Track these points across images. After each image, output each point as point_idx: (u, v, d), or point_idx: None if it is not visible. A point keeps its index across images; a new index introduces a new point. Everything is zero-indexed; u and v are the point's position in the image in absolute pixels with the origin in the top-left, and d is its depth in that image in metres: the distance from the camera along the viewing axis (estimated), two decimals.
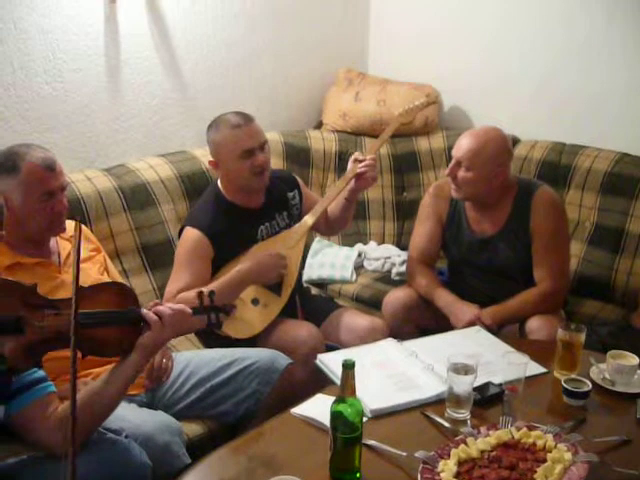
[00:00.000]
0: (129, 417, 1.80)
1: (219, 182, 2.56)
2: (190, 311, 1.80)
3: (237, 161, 2.42)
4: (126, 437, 1.77)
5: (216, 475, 1.72)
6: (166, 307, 1.76)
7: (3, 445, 1.80)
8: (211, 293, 1.86)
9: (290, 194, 2.66)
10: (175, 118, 3.13)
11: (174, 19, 3.00)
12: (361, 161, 2.59)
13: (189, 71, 3.13)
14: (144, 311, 1.74)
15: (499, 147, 2.54)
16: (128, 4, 2.82)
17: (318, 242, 3.31)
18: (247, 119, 2.45)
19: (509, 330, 2.56)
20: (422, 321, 2.69)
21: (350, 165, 2.63)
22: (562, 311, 2.70)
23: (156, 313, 1.73)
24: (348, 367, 1.59)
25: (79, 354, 1.73)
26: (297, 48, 3.57)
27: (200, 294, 1.85)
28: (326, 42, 3.71)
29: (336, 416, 1.60)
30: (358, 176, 2.58)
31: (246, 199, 2.53)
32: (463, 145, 2.53)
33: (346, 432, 1.60)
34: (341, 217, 2.72)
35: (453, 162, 2.55)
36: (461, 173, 2.52)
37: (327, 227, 2.81)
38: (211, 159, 2.52)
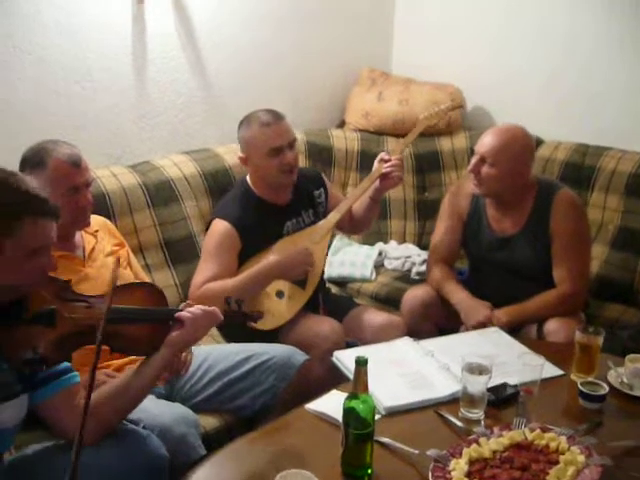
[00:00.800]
0: (147, 408, 1.83)
1: (248, 177, 2.60)
2: (222, 317, 1.83)
3: (266, 158, 2.47)
4: (144, 428, 1.81)
5: (230, 467, 1.75)
6: (197, 308, 1.79)
7: (27, 433, 1.86)
8: (238, 300, 1.90)
9: (316, 192, 2.70)
10: (200, 116, 3.17)
11: (200, 19, 3.05)
12: (387, 161, 2.61)
13: (214, 70, 3.17)
14: (178, 310, 1.77)
15: (524, 144, 2.56)
16: (155, 4, 2.87)
17: (339, 240, 3.33)
18: (277, 117, 2.50)
19: (527, 331, 2.56)
20: (440, 319, 2.69)
21: (376, 165, 2.65)
22: (582, 314, 2.68)
23: (188, 312, 1.77)
24: (361, 364, 1.62)
25: (107, 348, 1.78)
26: (321, 48, 3.60)
27: (228, 299, 1.89)
28: (350, 42, 3.73)
29: (348, 412, 1.62)
30: (384, 176, 2.61)
31: (274, 195, 2.57)
32: (488, 141, 2.53)
33: (358, 428, 1.62)
34: (365, 216, 2.75)
35: (477, 158, 2.55)
36: (485, 169, 2.53)
37: (351, 226, 2.84)
38: (241, 155, 2.56)
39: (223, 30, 3.16)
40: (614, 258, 3.00)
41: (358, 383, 1.63)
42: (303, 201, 2.64)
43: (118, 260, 1.71)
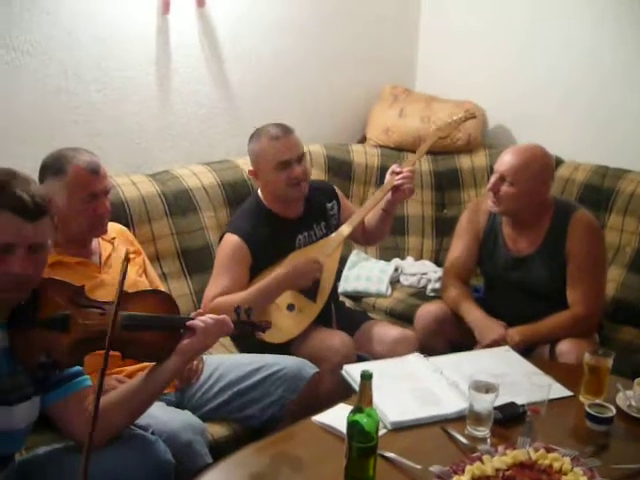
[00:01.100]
0: (156, 414, 1.86)
1: (259, 191, 2.63)
2: (232, 325, 1.84)
3: (274, 172, 2.50)
4: (152, 433, 1.84)
5: (234, 475, 1.77)
6: (209, 317, 1.80)
7: (37, 435, 1.89)
8: (248, 309, 1.91)
9: (329, 205, 2.72)
10: (221, 127, 3.21)
11: (224, 31, 3.09)
12: (398, 173, 2.62)
13: (237, 82, 3.21)
14: (189, 318, 1.79)
15: (543, 164, 2.57)
16: (180, 16, 2.92)
17: (355, 255, 3.35)
18: (286, 131, 2.52)
19: (540, 352, 2.56)
20: (454, 336, 2.69)
21: (388, 177, 2.66)
22: (597, 336, 2.68)
23: (200, 321, 1.78)
24: (366, 378, 1.62)
25: (119, 354, 1.81)
26: (345, 63, 3.64)
27: (237, 309, 1.90)
28: (374, 58, 3.77)
29: (352, 425, 1.63)
30: (395, 188, 2.62)
31: (285, 209, 2.59)
32: (508, 160, 2.54)
33: (362, 441, 1.63)
34: (378, 228, 2.76)
35: (496, 176, 2.56)
36: (504, 188, 2.54)
37: (364, 238, 2.85)
38: (251, 168, 2.59)
39: (246, 42, 3.20)
40: (631, 281, 2.98)
41: (363, 397, 1.64)
42: (315, 214, 2.66)
43: (127, 256, 1.71)
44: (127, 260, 1.67)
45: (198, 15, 2.98)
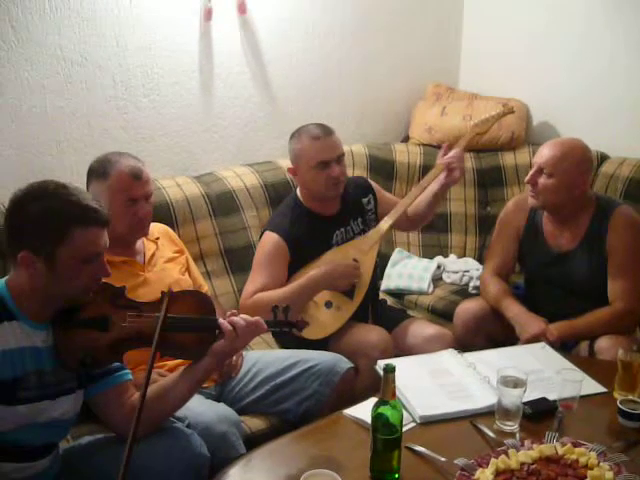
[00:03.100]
0: (192, 406, 1.92)
1: (298, 190, 2.69)
2: (265, 326, 1.89)
3: (313, 171, 2.55)
4: (188, 426, 1.92)
5: (263, 466, 1.84)
6: (241, 318, 1.85)
7: (82, 425, 1.99)
8: (286, 309, 1.95)
9: (364, 200, 2.77)
10: (264, 130, 3.28)
11: (265, 35, 3.16)
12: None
13: (279, 84, 3.28)
14: (220, 321, 1.84)
15: (581, 156, 2.57)
16: (222, 22, 3.00)
17: (398, 253, 3.38)
18: (327, 131, 2.58)
19: (579, 348, 2.55)
20: (494, 333, 2.69)
21: (439, 159, 2.72)
22: (638, 332, 2.65)
23: (231, 324, 1.83)
24: (389, 371, 1.67)
25: (159, 353, 1.89)
26: (387, 62, 3.66)
27: (275, 309, 1.94)
28: (417, 57, 3.78)
29: (377, 418, 1.68)
30: (446, 169, 2.66)
31: (322, 206, 2.65)
32: (546, 152, 2.56)
33: (386, 433, 1.67)
34: (425, 213, 2.82)
35: (534, 169, 2.58)
36: (542, 180, 2.55)
37: (409, 224, 2.90)
38: (291, 166, 2.65)
39: (287, 45, 3.27)
40: None
41: (386, 390, 1.69)
42: (351, 210, 2.71)
43: (169, 292, 1.83)
44: (169, 295, 1.80)
45: (240, 21, 3.05)
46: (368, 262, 2.62)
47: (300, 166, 2.60)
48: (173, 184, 2.84)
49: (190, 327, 1.85)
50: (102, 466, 1.79)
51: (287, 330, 1.98)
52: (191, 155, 3.08)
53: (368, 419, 1.84)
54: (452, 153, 2.68)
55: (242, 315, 1.87)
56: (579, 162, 2.55)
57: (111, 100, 2.80)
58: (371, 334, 2.52)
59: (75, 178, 2.53)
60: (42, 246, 1.64)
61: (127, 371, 1.89)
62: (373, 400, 1.98)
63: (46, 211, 1.64)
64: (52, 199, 1.66)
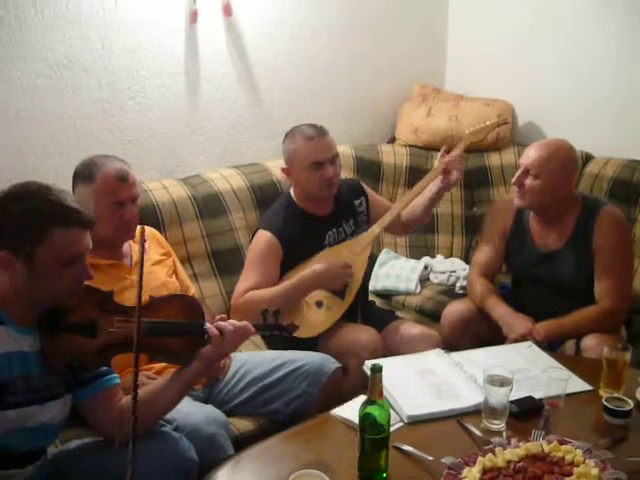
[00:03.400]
0: (180, 408, 1.91)
1: (291, 190, 2.70)
2: (253, 330, 1.89)
3: (307, 171, 2.56)
4: (176, 428, 1.91)
5: (252, 466, 1.84)
6: (228, 323, 1.85)
7: (70, 429, 1.98)
8: (276, 312, 1.95)
9: (356, 202, 2.78)
10: (250, 132, 3.28)
11: (251, 37, 3.16)
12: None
13: (265, 86, 3.28)
14: (207, 325, 1.84)
15: (567, 156, 2.60)
16: (207, 24, 3.00)
17: (386, 254, 3.39)
18: (321, 132, 2.59)
19: (566, 347, 2.57)
20: (481, 333, 2.70)
21: (438, 162, 2.73)
22: (624, 331, 2.68)
23: (218, 328, 1.83)
24: (376, 371, 1.68)
25: (147, 357, 1.89)
26: (374, 64, 3.68)
27: (265, 312, 1.94)
28: (403, 58, 3.79)
29: (364, 418, 1.69)
30: (444, 172, 2.68)
31: (315, 207, 2.66)
32: (531, 154, 2.58)
33: (374, 433, 1.68)
34: (421, 216, 2.83)
35: (521, 170, 2.60)
36: (528, 181, 2.57)
37: (402, 228, 2.92)
38: (284, 166, 2.66)
39: (273, 47, 3.27)
40: None
41: (373, 390, 1.69)
42: (344, 212, 2.72)
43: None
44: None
45: (225, 23, 3.06)
46: (360, 263, 2.64)
47: (294, 166, 2.61)
48: (159, 186, 2.83)
49: (177, 332, 1.85)
50: (90, 471, 1.79)
51: (277, 334, 1.99)
52: (177, 157, 3.08)
53: (356, 419, 1.85)
54: (452, 154, 2.69)
55: (230, 320, 1.87)
56: (565, 163, 2.57)
57: (97, 103, 2.79)
58: (361, 334, 2.53)
59: (61, 181, 2.49)
60: (22, 246, 1.62)
61: (115, 375, 1.89)
62: (361, 399, 2.00)
63: (26, 211, 1.63)
64: (33, 199, 1.65)
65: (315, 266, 2.54)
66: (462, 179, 2.79)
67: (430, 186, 2.73)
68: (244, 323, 1.87)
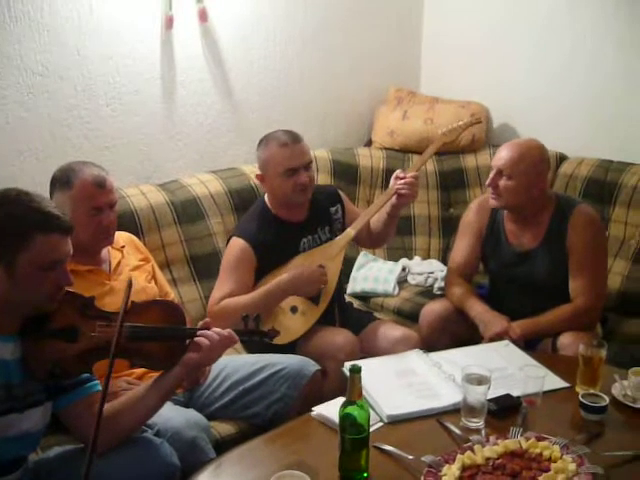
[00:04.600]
0: (161, 412, 1.90)
1: (266, 196, 2.71)
2: (237, 338, 1.90)
3: (281, 178, 2.57)
4: (157, 432, 1.92)
5: (234, 469, 1.85)
6: (214, 332, 1.85)
7: (50, 436, 1.98)
8: (256, 318, 1.96)
9: (332, 209, 2.79)
10: (227, 137, 3.30)
11: (227, 43, 3.18)
12: (402, 178, 2.68)
13: (241, 91, 3.29)
14: (194, 330, 1.85)
15: (539, 156, 2.63)
16: (183, 30, 3.01)
17: (364, 256, 3.41)
18: (295, 139, 2.59)
19: (543, 345, 2.60)
20: (459, 333, 2.73)
21: (392, 182, 2.72)
22: (600, 328, 2.72)
23: (204, 336, 1.83)
24: (355, 372, 1.70)
25: (128, 363, 1.89)
26: (349, 67, 3.70)
27: (245, 318, 1.95)
28: (379, 61, 3.83)
29: (344, 419, 1.71)
30: (398, 193, 2.67)
31: (289, 213, 2.67)
32: (504, 155, 2.61)
33: (354, 433, 1.70)
34: (384, 231, 2.82)
35: (494, 172, 2.63)
36: (502, 182, 2.60)
37: (370, 241, 2.91)
38: (258, 173, 2.66)
39: (249, 52, 3.28)
40: (636, 273, 3.00)
41: (353, 390, 1.71)
42: (319, 218, 2.73)
43: (130, 283, 1.78)
44: (129, 287, 1.75)
45: (201, 29, 3.07)
46: (334, 268, 2.65)
47: (268, 173, 2.61)
48: (137, 192, 2.84)
49: (159, 337, 1.85)
50: (71, 478, 1.78)
51: (257, 339, 1.99)
52: (155, 163, 3.08)
53: (336, 419, 1.86)
54: (406, 180, 2.65)
55: (215, 329, 1.87)
56: (536, 162, 2.61)
57: (73, 109, 2.79)
58: (337, 337, 2.54)
59: (38, 188, 2.46)
60: (2, 253, 1.62)
61: (96, 382, 1.88)
62: (341, 399, 2.01)
63: (7, 217, 1.63)
64: (13, 205, 1.65)
65: (289, 272, 2.54)
66: (413, 201, 2.78)
67: (385, 207, 2.72)
68: (228, 331, 1.88)
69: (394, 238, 3.38)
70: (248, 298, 2.48)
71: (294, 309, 2.58)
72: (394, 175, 2.72)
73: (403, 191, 2.65)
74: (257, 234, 2.60)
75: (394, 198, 2.69)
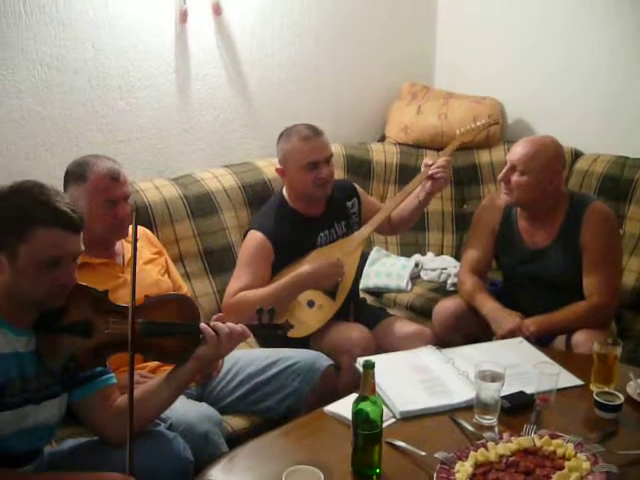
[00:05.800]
0: (174, 406, 1.91)
1: (284, 190, 2.71)
2: (250, 333, 1.89)
3: (302, 171, 2.57)
4: (170, 426, 1.92)
5: (246, 463, 1.85)
6: (225, 326, 1.85)
7: (65, 428, 1.98)
8: (271, 311, 1.95)
9: (348, 203, 2.79)
10: (240, 131, 3.29)
11: (241, 37, 3.17)
12: (431, 165, 2.70)
13: (255, 86, 3.29)
14: (203, 326, 1.84)
15: (554, 153, 2.61)
16: (197, 24, 3.01)
17: (376, 251, 3.40)
18: (316, 132, 2.60)
19: (556, 342, 2.59)
20: (471, 330, 2.71)
21: (423, 169, 2.74)
22: (615, 326, 2.70)
23: (215, 330, 1.83)
24: (368, 367, 1.69)
25: (142, 357, 1.89)
26: (363, 62, 3.69)
27: (260, 311, 1.93)
28: (393, 56, 3.81)
29: (357, 414, 1.70)
30: (431, 178, 2.69)
31: (307, 207, 2.67)
32: (518, 150, 2.59)
33: (367, 429, 1.69)
34: (409, 218, 2.85)
35: (507, 167, 2.62)
36: (515, 177, 2.58)
37: (391, 229, 2.93)
38: (279, 166, 2.66)
39: (263, 46, 3.28)
40: None
41: (366, 386, 1.71)
42: (336, 213, 2.73)
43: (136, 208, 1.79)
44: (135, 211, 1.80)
45: (215, 23, 3.06)
46: (351, 263, 2.65)
47: (288, 166, 2.61)
48: (151, 186, 2.84)
49: (173, 332, 1.85)
50: (86, 469, 1.78)
51: (271, 332, 1.99)
52: (168, 157, 3.09)
53: (349, 415, 1.86)
54: (438, 162, 2.70)
55: (228, 323, 1.87)
56: (551, 159, 2.59)
57: (87, 103, 2.79)
58: (352, 332, 2.54)
59: (53, 182, 2.47)
60: (5, 241, 1.62)
61: (111, 375, 1.89)
62: (353, 396, 2.01)
63: (12, 207, 1.63)
64: (23, 196, 1.65)
65: (307, 266, 2.55)
66: (447, 186, 2.81)
67: (418, 190, 2.74)
68: (241, 326, 1.87)
69: (407, 234, 3.40)
70: (265, 291, 2.48)
71: (311, 303, 2.58)
72: (424, 163, 2.75)
73: (438, 175, 2.66)
74: (275, 228, 2.60)
75: (428, 185, 2.69)
